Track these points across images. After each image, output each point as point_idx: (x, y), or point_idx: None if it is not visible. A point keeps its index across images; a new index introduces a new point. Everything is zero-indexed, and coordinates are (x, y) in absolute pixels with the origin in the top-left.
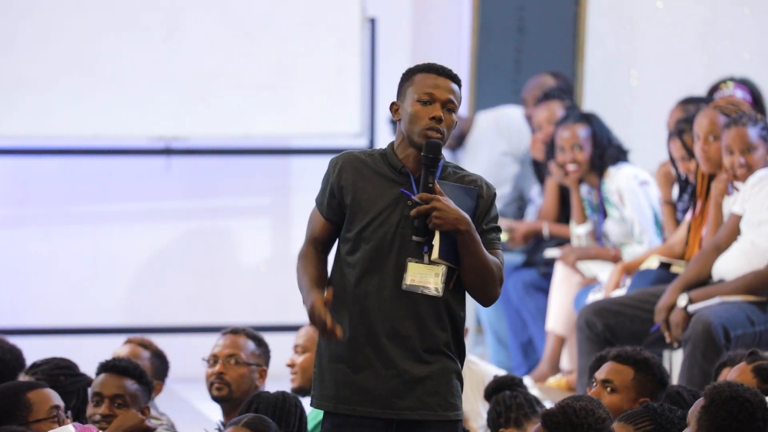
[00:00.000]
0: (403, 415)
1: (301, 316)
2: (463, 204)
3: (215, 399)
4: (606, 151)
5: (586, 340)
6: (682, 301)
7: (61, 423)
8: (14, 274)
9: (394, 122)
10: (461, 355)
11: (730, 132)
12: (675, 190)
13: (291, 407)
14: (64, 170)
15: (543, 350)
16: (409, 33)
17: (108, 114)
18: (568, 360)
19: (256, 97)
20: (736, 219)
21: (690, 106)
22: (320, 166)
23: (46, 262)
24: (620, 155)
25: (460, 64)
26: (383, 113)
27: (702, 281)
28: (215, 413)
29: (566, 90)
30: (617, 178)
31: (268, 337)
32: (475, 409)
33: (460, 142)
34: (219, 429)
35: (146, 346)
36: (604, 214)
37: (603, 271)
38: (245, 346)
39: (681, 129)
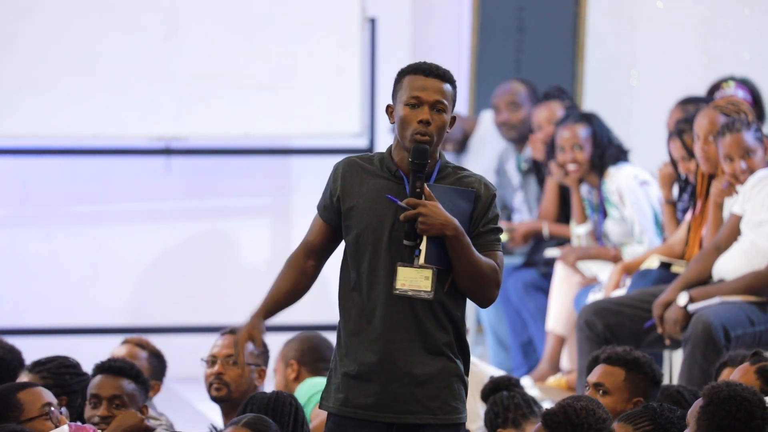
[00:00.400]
0: (404, 419)
1: (301, 316)
2: (457, 207)
3: (214, 399)
4: (606, 151)
5: (586, 340)
6: (682, 299)
7: (54, 420)
8: (14, 274)
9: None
10: (465, 357)
11: (725, 139)
12: (676, 190)
13: (285, 406)
14: (64, 170)
15: (543, 350)
16: (409, 33)
17: (108, 114)
18: (568, 360)
19: (256, 97)
20: (736, 219)
21: (689, 106)
22: (320, 166)
23: (46, 262)
24: (620, 155)
25: (460, 64)
26: (383, 113)
27: (702, 281)
28: (215, 413)
29: (534, 96)
30: (617, 178)
31: (268, 337)
32: (473, 410)
33: (463, 145)
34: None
35: (143, 346)
36: (604, 214)
37: (603, 271)
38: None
39: (681, 129)
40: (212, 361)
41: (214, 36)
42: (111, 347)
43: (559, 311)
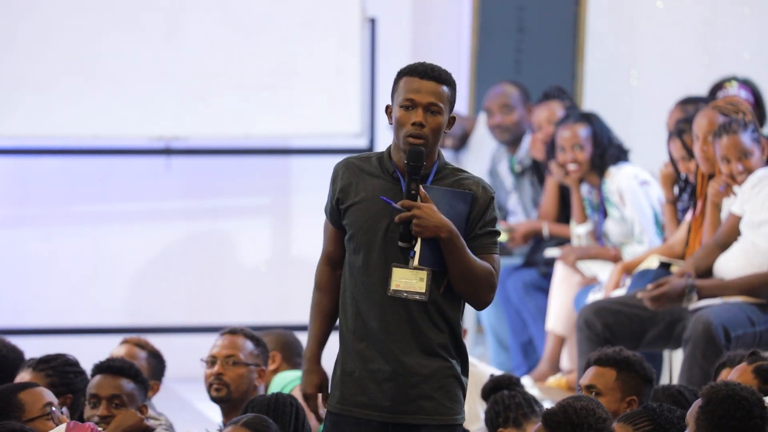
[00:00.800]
0: (398, 418)
1: (301, 316)
2: (454, 209)
3: (214, 400)
4: (606, 151)
5: (586, 340)
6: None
7: (55, 420)
8: (14, 274)
9: None
10: (462, 358)
11: (722, 141)
12: (676, 190)
13: (285, 407)
14: (64, 170)
15: (543, 350)
16: (409, 33)
17: (108, 114)
18: (568, 360)
19: (256, 97)
20: (736, 219)
21: (689, 106)
22: (320, 166)
23: (46, 262)
24: (621, 155)
25: (460, 64)
26: (383, 113)
27: (708, 269)
28: (215, 413)
29: (526, 98)
30: (618, 178)
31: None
32: (473, 411)
33: (463, 142)
34: None
35: (142, 346)
36: (605, 214)
37: (603, 271)
38: (244, 347)
39: (681, 129)
40: (212, 361)
41: (214, 36)
42: (111, 347)
43: (559, 311)
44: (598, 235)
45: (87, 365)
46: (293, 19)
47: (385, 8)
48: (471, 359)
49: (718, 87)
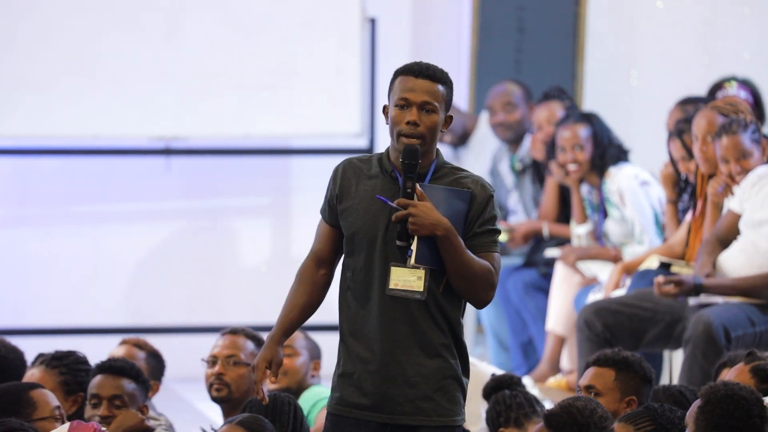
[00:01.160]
0: (397, 419)
1: None
2: (451, 207)
3: (215, 400)
4: (607, 151)
5: (586, 340)
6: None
7: (63, 422)
8: (14, 274)
9: None
10: (462, 358)
11: (722, 141)
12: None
13: (284, 406)
14: (64, 170)
15: (543, 350)
16: (409, 33)
17: (108, 114)
18: (568, 360)
19: (256, 97)
20: (734, 216)
21: (689, 106)
22: (320, 166)
23: (46, 262)
24: (621, 155)
25: (460, 64)
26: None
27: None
28: (215, 413)
29: (528, 97)
30: (618, 178)
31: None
32: (475, 412)
33: (463, 140)
34: None
35: (141, 346)
36: (605, 214)
37: (603, 271)
38: (244, 347)
39: (681, 129)
40: (212, 361)
41: (214, 36)
42: (111, 347)
43: (559, 311)
44: (598, 235)
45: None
46: (293, 19)
47: (385, 8)
48: (472, 359)
49: (717, 87)
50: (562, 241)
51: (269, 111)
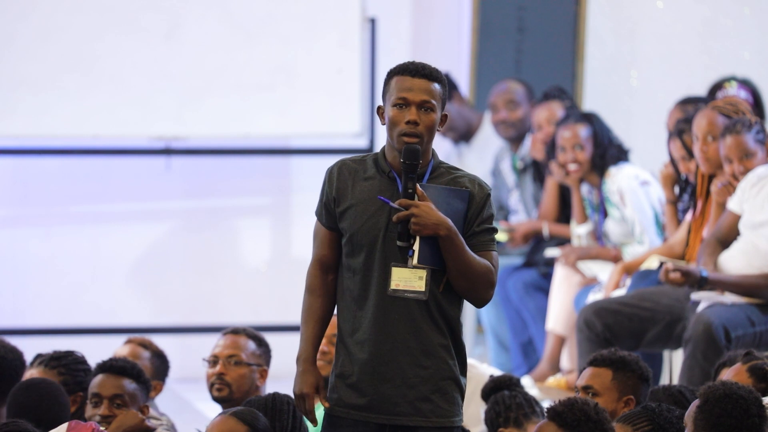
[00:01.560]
0: (395, 420)
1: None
2: (451, 207)
3: (216, 399)
4: (607, 151)
5: (585, 340)
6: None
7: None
8: (14, 274)
9: None
10: (461, 358)
11: (726, 141)
12: (677, 190)
13: (283, 406)
14: (64, 170)
15: (543, 350)
16: (409, 33)
17: (108, 114)
18: (568, 360)
19: (256, 97)
20: (734, 217)
21: (688, 106)
22: (320, 166)
23: (45, 262)
24: (621, 155)
25: (460, 64)
26: None
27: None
28: (216, 413)
29: (531, 95)
30: (618, 178)
31: (269, 337)
32: (475, 414)
33: (466, 137)
34: None
35: (146, 346)
36: (605, 214)
37: (603, 271)
38: (246, 347)
39: (681, 129)
40: (214, 361)
41: (214, 36)
42: (111, 347)
43: (559, 311)
44: (598, 235)
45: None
46: (293, 19)
47: (385, 8)
48: (472, 361)
49: (717, 87)
50: (563, 241)
51: (269, 111)
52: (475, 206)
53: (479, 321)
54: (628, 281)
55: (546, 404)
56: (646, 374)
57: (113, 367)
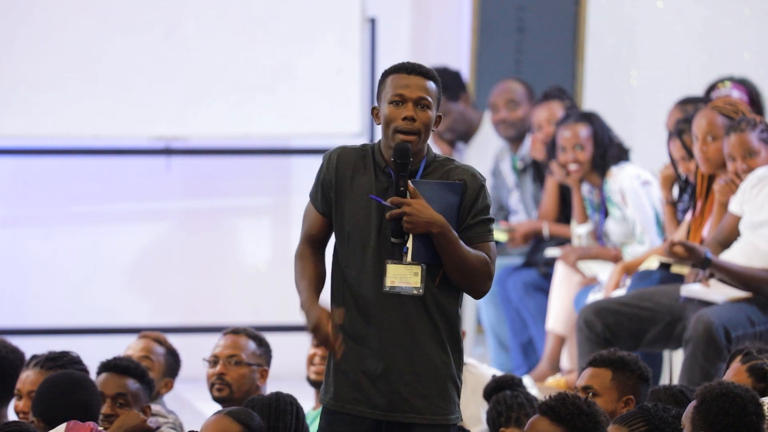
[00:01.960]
0: (391, 416)
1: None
2: (444, 201)
3: (216, 400)
4: (607, 151)
5: (586, 340)
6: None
7: None
8: (14, 274)
9: None
10: (458, 354)
11: (730, 139)
12: (676, 191)
13: (286, 406)
14: (64, 170)
15: (543, 350)
16: (409, 33)
17: (108, 114)
18: (568, 360)
19: (256, 97)
20: (735, 219)
21: (688, 106)
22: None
23: (46, 262)
24: (622, 155)
25: (460, 64)
26: None
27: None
28: None
29: (531, 95)
30: (620, 178)
31: (269, 337)
32: (475, 414)
33: (465, 137)
34: None
35: (161, 342)
36: (606, 214)
37: (603, 271)
38: (246, 347)
39: (681, 129)
40: (214, 361)
41: (214, 36)
42: (111, 347)
43: (559, 311)
44: (598, 235)
45: (87, 365)
46: (293, 19)
47: (385, 8)
48: (471, 361)
49: (712, 88)
50: (563, 241)
51: (269, 111)
52: (468, 197)
53: (479, 321)
54: (628, 281)
55: None
56: (646, 374)
57: (117, 366)
